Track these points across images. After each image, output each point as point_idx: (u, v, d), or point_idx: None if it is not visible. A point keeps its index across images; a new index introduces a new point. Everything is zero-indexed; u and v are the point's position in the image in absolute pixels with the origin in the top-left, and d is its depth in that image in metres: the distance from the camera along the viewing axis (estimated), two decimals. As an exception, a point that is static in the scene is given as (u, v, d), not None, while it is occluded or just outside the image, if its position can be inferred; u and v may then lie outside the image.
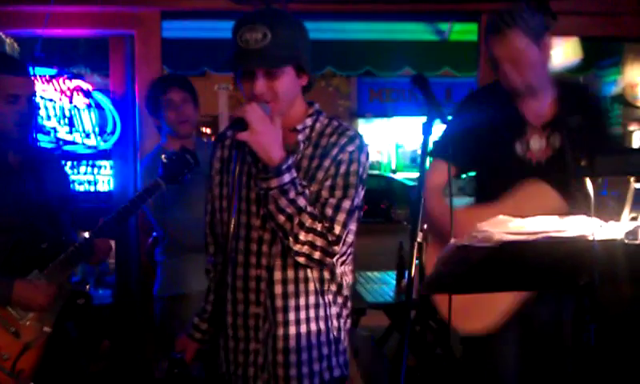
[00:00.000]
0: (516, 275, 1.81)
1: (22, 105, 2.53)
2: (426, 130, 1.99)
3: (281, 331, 2.02)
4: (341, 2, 4.30)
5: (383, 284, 4.81)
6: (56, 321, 2.60)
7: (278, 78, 1.94)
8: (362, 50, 5.57)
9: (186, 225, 3.14)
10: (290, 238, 1.91)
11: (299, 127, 2.05)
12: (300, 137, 2.05)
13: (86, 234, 2.68)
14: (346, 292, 2.11)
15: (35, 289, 2.53)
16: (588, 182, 1.83)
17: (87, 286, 2.80)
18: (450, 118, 2.62)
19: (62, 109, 4.34)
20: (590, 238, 1.60)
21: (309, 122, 2.07)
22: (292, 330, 2.01)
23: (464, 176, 2.73)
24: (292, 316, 2.01)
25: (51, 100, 4.32)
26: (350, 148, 1.99)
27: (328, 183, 1.96)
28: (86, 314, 2.73)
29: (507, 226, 1.67)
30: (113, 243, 2.90)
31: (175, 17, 4.40)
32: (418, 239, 1.81)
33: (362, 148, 2.01)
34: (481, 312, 2.25)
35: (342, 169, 1.97)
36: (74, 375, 2.77)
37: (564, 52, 5.21)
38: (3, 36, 4.32)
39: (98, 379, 4.22)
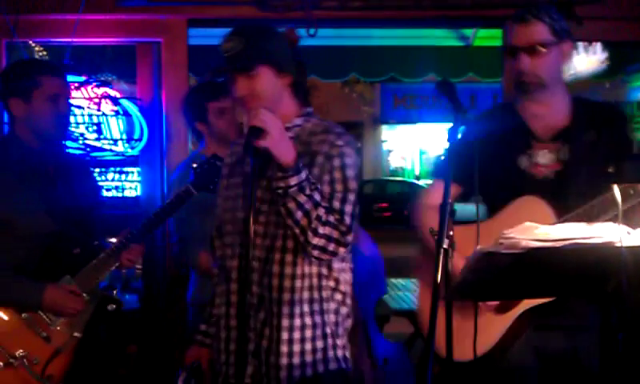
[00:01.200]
0: (543, 282, 1.80)
1: (62, 104, 2.62)
2: (452, 135, 1.99)
3: (275, 322, 2.09)
4: (365, 9, 4.31)
5: (407, 291, 4.80)
6: (87, 326, 2.63)
7: (254, 78, 2.08)
8: (387, 56, 5.57)
9: (188, 243, 3.17)
10: (309, 233, 1.99)
11: (288, 125, 2.13)
12: (289, 134, 2.12)
13: (114, 240, 2.71)
14: (343, 288, 2.18)
15: (66, 294, 2.57)
16: (616, 189, 1.82)
17: (114, 291, 2.82)
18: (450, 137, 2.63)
19: (90, 116, 4.40)
20: (618, 245, 1.59)
21: (298, 121, 2.17)
22: (285, 322, 2.08)
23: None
24: (286, 309, 2.08)
25: (80, 107, 4.38)
26: (339, 142, 2.09)
27: (327, 178, 2.06)
28: (117, 320, 2.75)
29: (534, 232, 1.67)
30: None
31: (201, 24, 4.44)
32: (444, 246, 1.81)
33: (350, 143, 2.12)
34: (463, 340, 2.02)
35: (336, 162, 2.07)
36: (102, 379, 2.80)
37: (589, 59, 5.17)
38: (32, 44, 4.40)
39: (125, 383, 4.25)
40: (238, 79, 2.09)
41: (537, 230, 1.70)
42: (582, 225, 1.68)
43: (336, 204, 2.03)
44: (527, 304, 2.21)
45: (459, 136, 2.55)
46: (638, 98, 6.22)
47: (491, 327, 2.24)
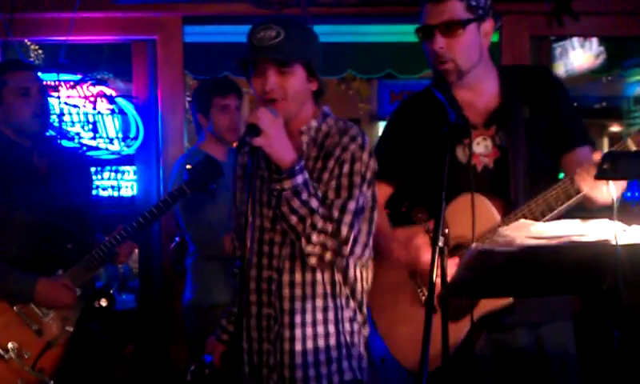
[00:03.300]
0: (538, 280, 1.79)
1: (35, 96, 2.63)
2: (448, 131, 1.98)
3: (287, 333, 2.04)
4: (360, 5, 4.31)
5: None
6: (79, 321, 2.64)
7: (289, 77, 2.00)
8: (383, 53, 5.55)
9: (208, 232, 3.17)
10: (303, 239, 1.94)
11: (303, 129, 2.08)
12: (304, 138, 2.08)
13: (109, 238, 2.72)
14: (360, 296, 2.12)
15: (58, 287, 2.58)
16: (611, 185, 1.81)
17: (111, 291, 2.83)
18: (382, 133, 2.49)
19: (86, 114, 4.38)
20: (613, 243, 1.58)
21: (313, 123, 2.10)
22: (298, 332, 2.04)
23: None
24: (299, 318, 2.04)
25: (75, 106, 4.37)
26: (352, 146, 2.02)
27: (333, 184, 2.00)
28: (111, 315, 2.77)
29: (529, 230, 1.67)
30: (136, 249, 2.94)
31: (196, 22, 4.43)
32: (440, 244, 1.81)
33: (363, 146, 2.03)
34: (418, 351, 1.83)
35: (346, 168, 2.00)
36: (99, 379, 2.81)
37: (585, 55, 5.16)
38: (28, 43, 4.38)
39: (123, 383, 4.25)
40: (270, 72, 1.99)
41: (532, 227, 1.70)
42: (577, 222, 1.67)
43: (335, 213, 1.96)
44: (483, 310, 2.13)
45: (384, 129, 2.50)
46: (634, 93, 6.22)
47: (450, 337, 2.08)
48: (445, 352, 1.80)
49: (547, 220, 2.05)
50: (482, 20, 2.18)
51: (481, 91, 2.25)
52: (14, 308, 2.58)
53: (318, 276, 2.05)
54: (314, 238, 1.93)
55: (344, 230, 1.95)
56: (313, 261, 1.97)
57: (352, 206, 1.97)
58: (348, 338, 2.09)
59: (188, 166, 2.81)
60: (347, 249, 1.96)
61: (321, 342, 2.04)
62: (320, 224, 1.93)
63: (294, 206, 1.92)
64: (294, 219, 1.93)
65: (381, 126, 8.63)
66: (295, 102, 2.03)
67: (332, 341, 2.05)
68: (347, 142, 2.02)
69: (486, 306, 2.13)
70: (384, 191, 2.40)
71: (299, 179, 1.93)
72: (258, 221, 2.10)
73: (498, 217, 2.14)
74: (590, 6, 4.25)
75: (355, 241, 2.00)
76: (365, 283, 2.14)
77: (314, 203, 1.94)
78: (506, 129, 2.21)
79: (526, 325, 2.24)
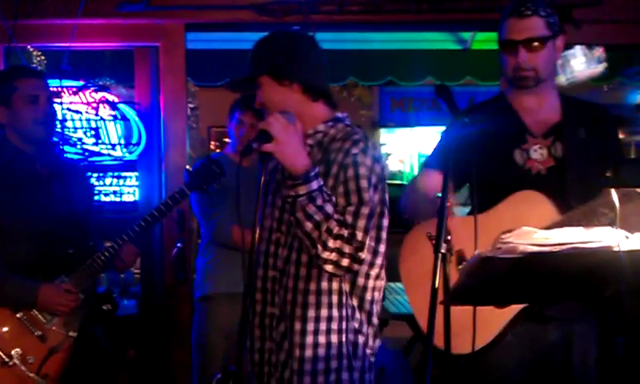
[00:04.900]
0: (541, 287, 1.80)
1: (42, 104, 2.64)
2: (451, 138, 1.99)
3: (289, 337, 2.05)
4: (363, 13, 4.31)
5: (406, 295, 4.77)
6: (82, 326, 2.65)
7: (260, 89, 2.08)
8: (384, 60, 5.57)
9: (226, 225, 3.32)
10: (319, 246, 1.90)
11: (310, 132, 2.08)
12: (309, 141, 2.08)
13: (111, 243, 2.73)
14: (369, 306, 2.09)
15: (60, 292, 2.59)
16: (613, 193, 1.81)
17: (113, 295, 2.84)
18: (445, 128, 2.63)
19: (89, 120, 4.39)
20: (616, 249, 1.58)
21: (321, 127, 2.09)
22: (297, 338, 2.03)
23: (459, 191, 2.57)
24: (299, 326, 2.03)
25: (78, 112, 4.38)
26: (354, 150, 1.99)
27: (341, 189, 1.97)
28: (113, 320, 2.77)
29: (532, 237, 1.67)
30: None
31: (199, 29, 4.44)
32: (442, 250, 1.81)
33: (366, 150, 2.00)
34: (463, 334, 1.93)
35: (350, 173, 1.97)
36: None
37: (588, 63, 5.17)
38: (31, 49, 4.40)
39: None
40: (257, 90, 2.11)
41: (535, 234, 1.69)
42: (580, 229, 1.68)
43: (348, 218, 1.93)
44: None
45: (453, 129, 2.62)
46: (636, 101, 6.24)
47: (493, 320, 2.20)
48: (447, 351, 1.80)
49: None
50: (557, 36, 2.42)
51: (544, 103, 2.46)
52: (17, 315, 2.58)
53: (324, 285, 2.01)
54: (330, 244, 1.89)
55: (359, 235, 1.92)
56: (329, 268, 1.92)
57: (365, 210, 1.95)
58: (351, 350, 2.05)
59: (188, 167, 2.88)
60: (363, 254, 1.93)
61: (321, 352, 2.01)
62: (336, 229, 1.90)
63: (310, 212, 1.89)
64: (309, 226, 1.89)
65: (382, 132, 8.65)
66: (275, 109, 2.02)
67: (333, 351, 2.02)
68: (349, 147, 2.00)
69: None
70: (437, 179, 2.48)
71: (314, 185, 1.90)
72: (268, 221, 2.12)
73: (556, 215, 2.24)
74: (591, 14, 4.26)
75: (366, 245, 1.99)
76: (375, 293, 2.10)
77: (329, 209, 1.91)
78: (563, 142, 2.38)
79: (560, 320, 2.32)
